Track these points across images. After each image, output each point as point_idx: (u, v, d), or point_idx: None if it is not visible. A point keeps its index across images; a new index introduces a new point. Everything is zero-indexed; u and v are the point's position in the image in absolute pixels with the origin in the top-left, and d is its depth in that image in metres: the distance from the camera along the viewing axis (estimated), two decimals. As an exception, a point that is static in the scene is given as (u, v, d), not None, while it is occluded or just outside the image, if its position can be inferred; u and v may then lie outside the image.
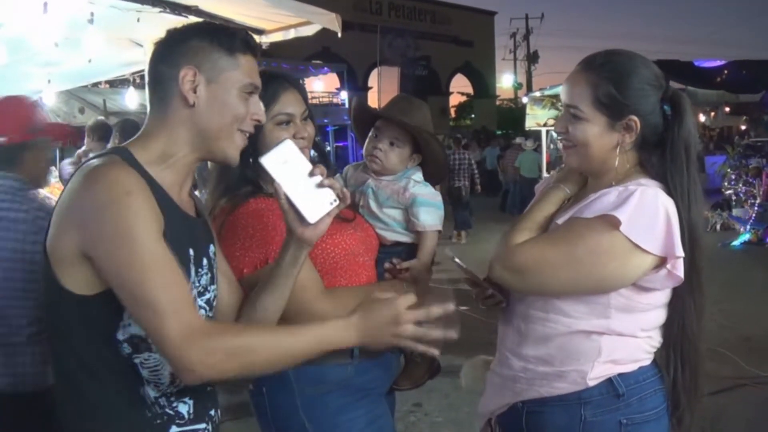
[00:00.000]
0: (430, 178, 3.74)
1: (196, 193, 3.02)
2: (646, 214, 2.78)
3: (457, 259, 3.19)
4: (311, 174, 2.66)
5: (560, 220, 2.97)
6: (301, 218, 2.66)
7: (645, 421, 2.99)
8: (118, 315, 2.44)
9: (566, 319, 2.96)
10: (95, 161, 2.50)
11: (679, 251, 2.77)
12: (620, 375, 2.97)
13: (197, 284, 2.63)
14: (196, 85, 2.57)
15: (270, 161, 2.66)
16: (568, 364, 2.98)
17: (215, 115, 2.61)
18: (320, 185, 2.66)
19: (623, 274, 2.84)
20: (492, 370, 3.31)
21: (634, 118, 2.92)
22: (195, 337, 2.31)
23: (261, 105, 2.74)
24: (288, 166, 2.67)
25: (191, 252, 2.60)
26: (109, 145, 7.65)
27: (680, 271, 2.81)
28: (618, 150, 2.96)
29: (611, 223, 2.76)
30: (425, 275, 3.52)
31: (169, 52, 2.63)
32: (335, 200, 2.68)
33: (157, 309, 2.30)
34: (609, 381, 2.96)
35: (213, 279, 2.76)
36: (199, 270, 2.65)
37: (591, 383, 2.96)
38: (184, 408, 2.62)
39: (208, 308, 2.73)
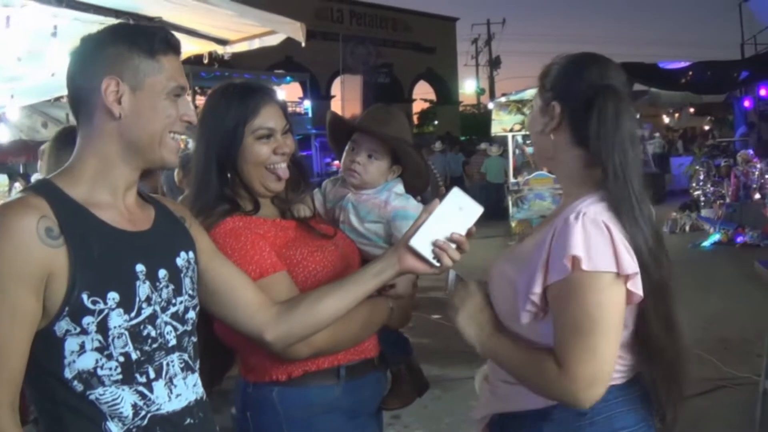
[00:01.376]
0: (412, 189, 3.65)
1: None
2: (598, 242, 2.65)
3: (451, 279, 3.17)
4: (456, 233, 2.79)
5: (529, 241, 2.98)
6: (410, 236, 2.82)
7: None
8: (58, 353, 2.36)
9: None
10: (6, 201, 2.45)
11: (631, 268, 2.65)
12: None
13: (158, 299, 2.52)
14: (121, 95, 2.47)
15: (456, 196, 2.83)
16: None
17: (145, 123, 2.52)
18: (443, 247, 2.78)
19: (619, 303, 2.69)
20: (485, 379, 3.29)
21: (555, 103, 2.94)
22: None
23: (191, 104, 2.65)
24: (457, 211, 2.81)
25: (139, 267, 2.49)
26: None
27: (639, 288, 2.68)
28: (542, 136, 3.01)
29: (583, 274, 2.63)
30: (410, 290, 3.42)
31: (86, 63, 2.53)
32: (436, 263, 2.80)
33: None
34: None
35: (180, 290, 2.62)
36: (156, 284, 2.53)
37: (552, 401, 2.83)
38: None
39: (177, 322, 2.59)
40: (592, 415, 2.82)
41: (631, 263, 2.66)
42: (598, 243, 2.65)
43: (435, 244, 2.77)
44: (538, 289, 2.73)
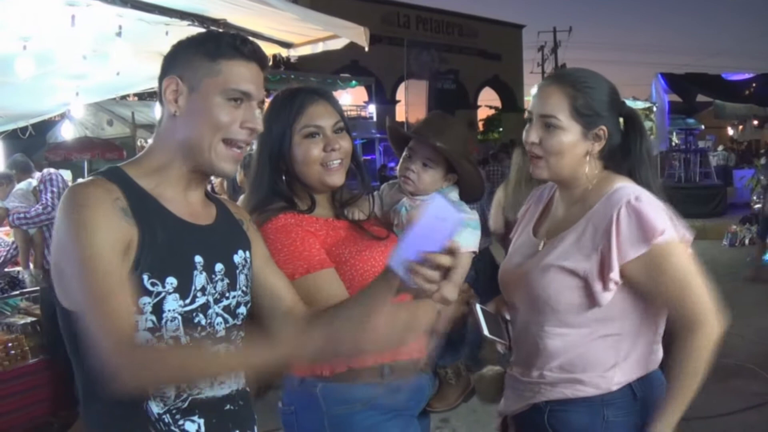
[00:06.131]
0: (466, 197, 3.67)
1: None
2: (662, 212, 2.97)
3: (479, 307, 3.31)
4: (430, 252, 2.44)
5: (556, 248, 3.15)
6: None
7: None
8: None
9: (582, 329, 3.10)
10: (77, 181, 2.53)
11: (689, 235, 3.06)
12: (638, 379, 3.12)
13: (212, 291, 2.59)
14: (179, 95, 2.55)
15: (437, 207, 2.42)
16: (590, 370, 3.10)
17: (195, 124, 2.56)
18: (415, 270, 2.45)
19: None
20: (511, 375, 3.40)
21: (603, 127, 3.15)
22: (123, 347, 2.25)
23: (256, 112, 2.64)
24: (440, 223, 2.42)
25: (198, 258, 2.56)
26: None
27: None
28: (588, 158, 3.17)
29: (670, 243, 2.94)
30: (456, 296, 3.39)
31: (164, 64, 2.63)
32: (414, 285, 2.49)
33: (94, 317, 2.28)
34: (628, 385, 3.10)
35: (235, 285, 2.70)
36: (212, 276, 2.60)
37: (614, 387, 3.09)
38: (192, 427, 2.54)
39: (228, 315, 2.66)
40: (643, 398, 3.10)
41: (687, 232, 3.06)
42: (669, 216, 2.97)
43: (407, 267, 2.47)
44: (615, 268, 2.94)
